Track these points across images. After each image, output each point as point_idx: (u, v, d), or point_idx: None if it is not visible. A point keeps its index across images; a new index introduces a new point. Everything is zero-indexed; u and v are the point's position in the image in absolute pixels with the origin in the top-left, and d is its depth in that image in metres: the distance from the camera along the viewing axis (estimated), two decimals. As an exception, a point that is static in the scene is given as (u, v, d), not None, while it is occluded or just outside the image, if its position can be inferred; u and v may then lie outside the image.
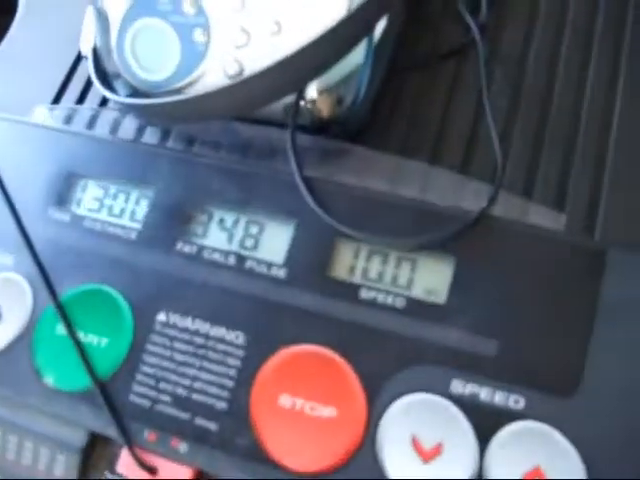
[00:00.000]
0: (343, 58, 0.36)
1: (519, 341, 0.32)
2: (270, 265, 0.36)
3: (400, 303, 0.34)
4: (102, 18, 0.41)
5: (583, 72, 0.40)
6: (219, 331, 0.35)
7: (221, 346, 0.35)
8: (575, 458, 0.31)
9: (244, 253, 0.37)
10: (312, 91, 0.38)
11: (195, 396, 0.35)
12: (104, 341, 0.36)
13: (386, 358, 0.33)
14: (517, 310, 0.33)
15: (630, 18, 0.41)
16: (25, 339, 0.38)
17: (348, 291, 0.35)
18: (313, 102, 0.38)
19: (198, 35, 0.39)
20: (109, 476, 0.36)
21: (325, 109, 0.38)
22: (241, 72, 0.38)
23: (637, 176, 0.37)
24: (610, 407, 0.31)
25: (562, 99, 0.39)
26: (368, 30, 0.36)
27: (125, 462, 0.35)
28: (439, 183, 0.37)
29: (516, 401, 0.32)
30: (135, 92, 0.40)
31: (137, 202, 0.39)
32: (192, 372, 0.35)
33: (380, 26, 0.38)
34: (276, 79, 0.35)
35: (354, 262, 0.35)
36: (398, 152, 0.39)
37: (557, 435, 0.31)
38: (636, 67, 0.40)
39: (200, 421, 0.34)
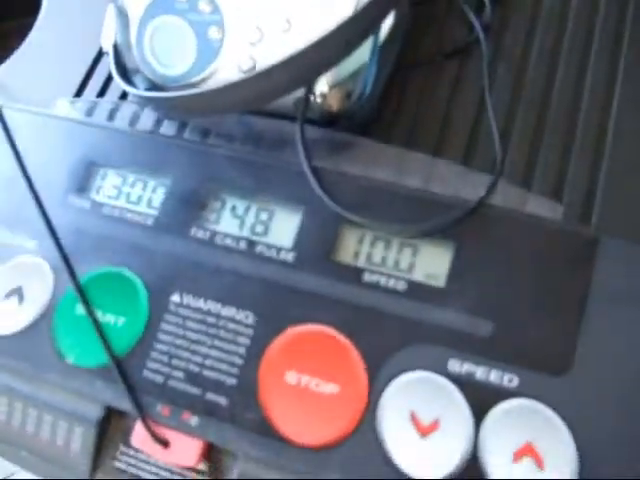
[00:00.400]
0: (350, 55, 0.37)
1: (514, 323, 0.34)
2: (279, 250, 0.38)
3: (401, 286, 0.36)
4: (122, 16, 0.43)
5: (583, 70, 0.41)
6: (230, 311, 0.37)
7: (231, 325, 0.37)
8: (566, 434, 0.32)
9: (254, 238, 0.38)
10: (323, 86, 0.40)
11: (206, 372, 0.36)
12: (121, 320, 0.38)
13: (387, 338, 0.35)
14: (513, 293, 0.34)
15: (630, 18, 0.42)
16: (46, 319, 0.40)
17: (352, 274, 0.37)
18: (324, 96, 0.40)
19: (213, 32, 0.41)
20: (123, 448, 0.38)
21: (335, 103, 0.40)
22: (254, 68, 0.40)
23: (633, 169, 0.38)
24: (600, 386, 0.33)
25: (562, 95, 0.41)
26: (374, 28, 0.38)
27: (139, 434, 0.37)
28: (442, 174, 0.39)
29: (510, 380, 0.33)
30: (153, 86, 0.42)
31: (154, 190, 0.41)
32: (204, 350, 0.37)
33: (387, 25, 0.40)
34: (287, 74, 0.37)
35: (358, 247, 0.37)
36: (403, 145, 0.41)
37: (549, 412, 0.33)
38: (634, 65, 0.41)
39: (210, 396, 0.36)
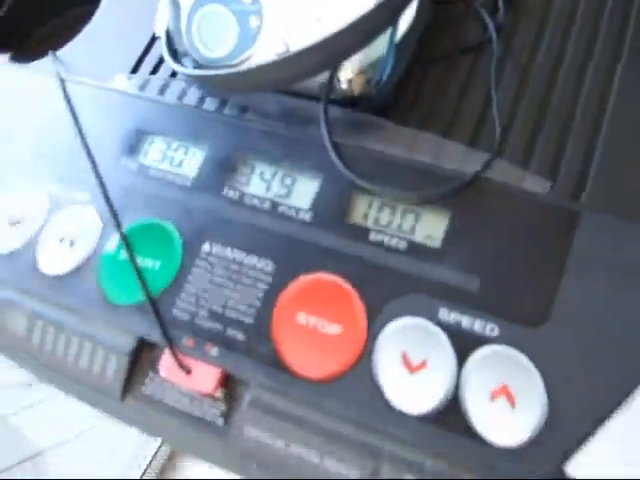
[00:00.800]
0: (371, 43, 0.43)
1: (499, 280, 0.39)
2: (298, 210, 0.43)
3: (402, 245, 0.41)
4: (174, 4, 0.49)
5: (584, 68, 0.45)
6: (252, 260, 0.42)
7: (252, 272, 0.42)
8: (537, 378, 0.37)
9: (278, 200, 0.44)
10: (348, 72, 0.45)
11: (228, 312, 0.42)
12: (157, 264, 0.44)
13: (387, 288, 0.40)
14: (499, 255, 0.39)
15: (632, 21, 0.47)
16: (93, 261, 0.45)
17: (361, 233, 0.41)
18: (349, 82, 0.45)
19: (253, 20, 0.46)
20: (151, 375, 0.43)
21: (357, 88, 0.45)
22: (287, 52, 0.46)
23: (622, 155, 0.42)
24: (571, 338, 0.37)
25: (563, 89, 0.45)
26: (393, 20, 0.43)
27: (165, 362, 0.42)
28: (449, 152, 0.43)
29: (492, 329, 0.38)
30: (199, 67, 0.48)
31: (194, 155, 0.46)
32: (227, 292, 0.42)
33: (405, 21, 0.45)
34: (314, 58, 0.42)
35: (368, 211, 0.42)
36: (417, 128, 0.45)
37: (523, 359, 0.37)
38: (632, 65, 0.45)
39: (230, 332, 0.41)
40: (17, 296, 0.47)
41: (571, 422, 0.36)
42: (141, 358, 0.44)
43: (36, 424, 1.58)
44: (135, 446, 1.54)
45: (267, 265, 0.42)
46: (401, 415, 0.38)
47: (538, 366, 0.37)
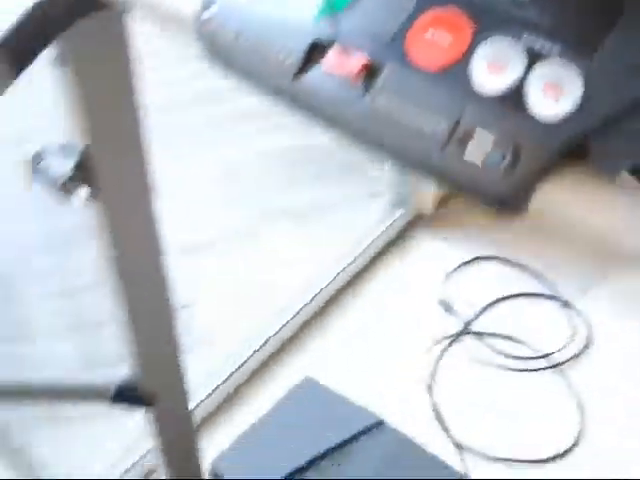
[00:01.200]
0: None
1: (569, 21, 0.57)
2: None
3: (508, -2, 0.60)
4: None
5: None
6: (402, -3, 0.62)
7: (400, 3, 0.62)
8: (579, 81, 0.55)
9: None
10: None
11: (374, 25, 0.62)
12: (338, -5, 0.65)
13: (490, 19, 0.59)
14: (572, 5, 0.57)
15: None
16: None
17: (480, -10, 0.61)
18: None
19: None
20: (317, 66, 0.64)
21: None
22: None
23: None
24: (613, 73, 0.55)
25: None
26: None
27: (329, 56, 0.62)
28: None
29: (556, 49, 0.56)
30: None
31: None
32: (383, 14, 0.62)
33: None
34: None
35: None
36: None
37: (574, 70, 0.55)
38: None
39: (376, 37, 0.61)
40: (226, 12, 0.68)
41: (599, 110, 0.54)
42: (312, 55, 0.64)
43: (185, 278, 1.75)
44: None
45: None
46: (481, 95, 0.57)
47: (582, 74, 0.55)
